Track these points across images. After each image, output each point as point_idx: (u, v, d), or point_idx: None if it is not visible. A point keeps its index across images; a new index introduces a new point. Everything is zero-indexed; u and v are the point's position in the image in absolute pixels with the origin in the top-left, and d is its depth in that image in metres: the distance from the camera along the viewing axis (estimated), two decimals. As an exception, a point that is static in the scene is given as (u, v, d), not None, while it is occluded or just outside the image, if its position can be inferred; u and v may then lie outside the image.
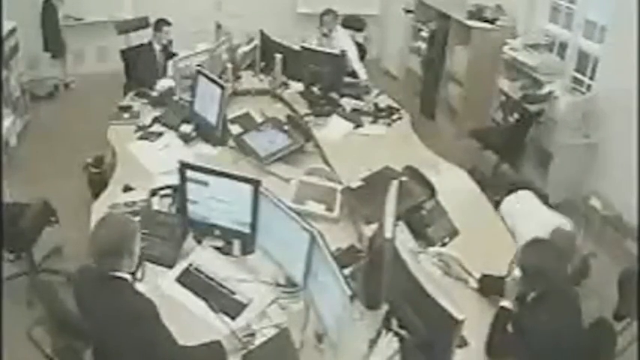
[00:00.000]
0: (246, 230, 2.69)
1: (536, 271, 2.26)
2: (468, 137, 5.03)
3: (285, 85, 4.67)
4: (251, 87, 4.66)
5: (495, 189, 3.39)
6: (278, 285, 2.59)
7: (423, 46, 6.37)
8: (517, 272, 2.32)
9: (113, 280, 2.11)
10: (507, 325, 2.33)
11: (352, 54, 5.00)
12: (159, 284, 2.57)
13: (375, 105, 4.43)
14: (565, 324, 2.25)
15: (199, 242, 2.83)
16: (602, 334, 2.45)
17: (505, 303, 2.37)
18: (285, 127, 3.81)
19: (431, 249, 2.83)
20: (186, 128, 3.83)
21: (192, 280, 2.60)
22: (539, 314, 2.25)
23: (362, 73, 4.93)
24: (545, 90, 4.73)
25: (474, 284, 2.65)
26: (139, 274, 2.55)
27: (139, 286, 2.32)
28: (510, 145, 4.75)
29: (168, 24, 4.85)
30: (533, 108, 4.67)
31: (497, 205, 3.30)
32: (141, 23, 5.67)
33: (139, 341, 2.05)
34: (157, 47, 4.85)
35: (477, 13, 5.50)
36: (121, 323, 2.05)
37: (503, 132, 4.98)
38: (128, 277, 2.18)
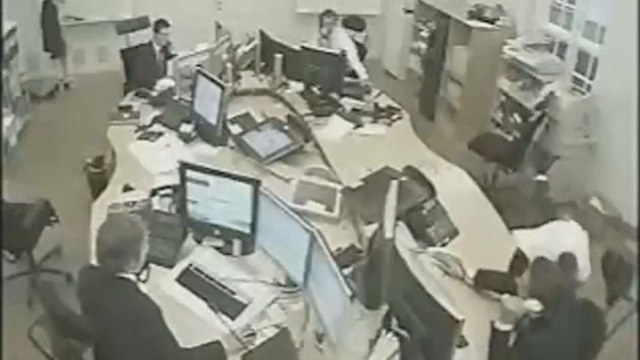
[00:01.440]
0: (246, 230, 2.69)
1: (550, 292, 2.19)
2: (468, 149, 4.94)
3: (285, 85, 4.67)
4: (251, 87, 4.66)
5: (492, 201, 3.37)
6: (278, 285, 2.59)
7: (423, 46, 6.38)
8: (532, 305, 2.21)
9: (117, 281, 2.11)
10: (507, 342, 2.28)
11: (352, 54, 4.99)
12: (159, 284, 2.57)
13: (375, 105, 4.42)
14: (572, 340, 2.21)
15: (199, 242, 2.83)
16: (588, 316, 2.39)
17: (502, 327, 2.26)
18: (285, 127, 3.81)
19: (431, 249, 2.82)
20: (186, 128, 3.82)
21: (192, 280, 2.60)
22: (546, 332, 2.18)
23: (362, 73, 4.92)
24: (547, 91, 4.71)
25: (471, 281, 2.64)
26: (143, 276, 2.56)
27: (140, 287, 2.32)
28: (512, 155, 4.66)
29: (167, 25, 4.84)
30: (537, 113, 4.64)
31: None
32: (141, 23, 5.67)
33: (141, 342, 2.05)
34: (157, 47, 4.85)
35: (477, 13, 5.50)
36: (124, 324, 2.05)
37: (505, 143, 4.92)
38: (132, 278, 2.18)
